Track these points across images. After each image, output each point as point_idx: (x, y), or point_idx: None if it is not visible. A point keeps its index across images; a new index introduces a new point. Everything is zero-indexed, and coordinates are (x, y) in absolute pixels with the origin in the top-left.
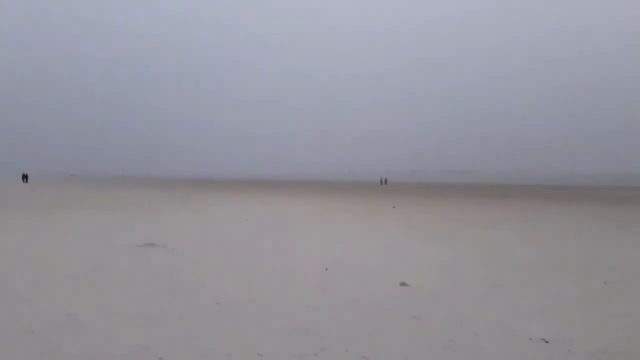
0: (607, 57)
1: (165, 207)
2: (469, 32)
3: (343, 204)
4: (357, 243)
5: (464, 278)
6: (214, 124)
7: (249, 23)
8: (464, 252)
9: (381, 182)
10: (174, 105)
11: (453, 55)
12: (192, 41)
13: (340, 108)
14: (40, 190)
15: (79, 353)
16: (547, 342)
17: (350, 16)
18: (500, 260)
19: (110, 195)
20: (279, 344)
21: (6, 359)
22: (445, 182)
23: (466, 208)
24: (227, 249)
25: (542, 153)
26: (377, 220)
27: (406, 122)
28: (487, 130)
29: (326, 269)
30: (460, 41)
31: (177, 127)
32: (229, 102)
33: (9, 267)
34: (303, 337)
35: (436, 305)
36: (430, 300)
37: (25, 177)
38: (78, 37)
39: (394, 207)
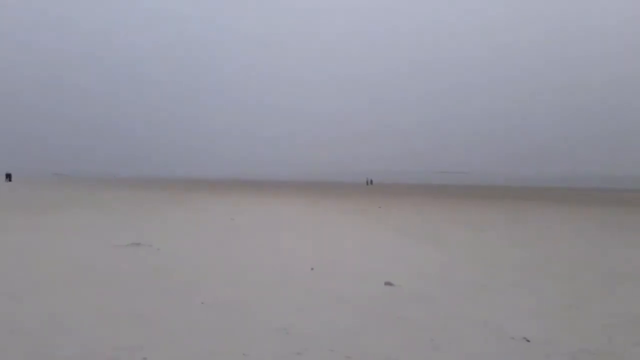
0: (606, 57)
1: (153, 207)
2: (464, 34)
3: (329, 204)
4: (344, 243)
5: (449, 278)
6: (207, 124)
7: (249, 23)
8: (450, 252)
9: (367, 182)
10: (165, 104)
11: (448, 56)
12: (192, 41)
13: (325, 108)
14: (24, 190)
15: (61, 354)
16: (528, 341)
17: (345, 17)
18: (486, 260)
19: (97, 195)
20: (263, 344)
21: None
22: (435, 183)
23: (454, 209)
24: (213, 248)
25: (538, 154)
26: (363, 221)
27: (395, 124)
28: (480, 131)
29: (312, 269)
30: (455, 43)
31: (168, 126)
32: (224, 102)
33: None
34: (287, 337)
35: (420, 305)
36: (414, 300)
37: (8, 176)
38: (74, 37)
39: (379, 207)
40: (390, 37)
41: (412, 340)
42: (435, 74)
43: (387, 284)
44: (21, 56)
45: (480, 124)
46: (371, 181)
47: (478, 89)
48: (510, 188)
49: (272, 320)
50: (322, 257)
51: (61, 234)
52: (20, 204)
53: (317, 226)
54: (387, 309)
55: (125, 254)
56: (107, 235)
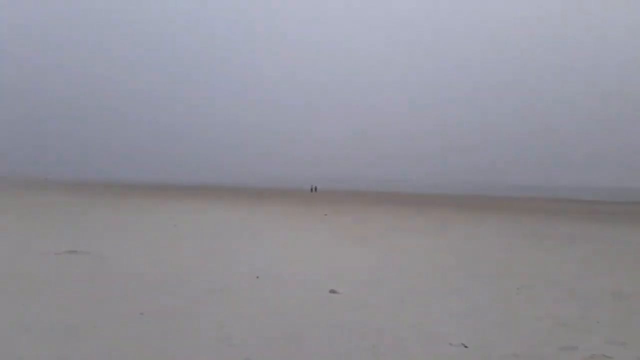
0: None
1: (94, 212)
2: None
3: (274, 210)
4: (290, 250)
5: (391, 285)
6: (150, 125)
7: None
8: (392, 259)
9: (311, 189)
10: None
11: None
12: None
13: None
14: None
15: None
16: (466, 346)
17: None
18: (424, 267)
19: (32, 199)
20: (202, 354)
21: None
22: (378, 191)
23: (395, 216)
24: (154, 256)
25: (477, 164)
26: (309, 228)
27: (340, 128)
28: (420, 140)
29: (257, 277)
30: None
31: (106, 125)
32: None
33: None
34: (228, 347)
35: (363, 312)
36: (357, 307)
37: None
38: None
39: (325, 214)
40: (344, 43)
41: (355, 347)
42: (380, 81)
43: (332, 291)
44: None
45: (419, 132)
46: (315, 188)
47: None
48: (442, 196)
49: (213, 330)
50: (267, 265)
51: None
52: None
53: (263, 233)
54: (331, 316)
55: (59, 262)
56: (39, 243)
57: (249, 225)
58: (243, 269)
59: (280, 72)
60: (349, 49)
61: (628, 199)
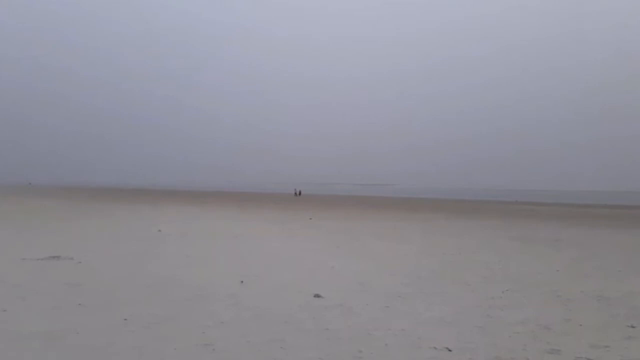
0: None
1: (77, 218)
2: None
3: (259, 214)
4: (274, 254)
5: (376, 289)
6: (132, 125)
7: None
8: (377, 263)
9: (295, 193)
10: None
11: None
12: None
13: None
14: None
15: None
16: (450, 350)
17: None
18: (409, 271)
19: (16, 204)
20: None
21: None
22: (361, 194)
23: (380, 220)
24: (138, 261)
25: (462, 167)
26: (294, 232)
27: (323, 132)
28: (409, 143)
29: (242, 282)
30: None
31: (102, 127)
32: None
33: None
34: (210, 353)
35: (347, 316)
36: (341, 312)
37: None
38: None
39: (310, 218)
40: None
41: (340, 352)
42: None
43: (316, 296)
44: None
45: (403, 136)
46: (299, 192)
47: (400, 100)
48: (427, 200)
49: (196, 335)
50: (252, 269)
51: None
52: None
53: (248, 237)
54: (315, 321)
55: (41, 268)
56: (21, 248)
57: (234, 230)
58: (227, 273)
59: (278, 72)
60: (350, 49)
61: (614, 202)
